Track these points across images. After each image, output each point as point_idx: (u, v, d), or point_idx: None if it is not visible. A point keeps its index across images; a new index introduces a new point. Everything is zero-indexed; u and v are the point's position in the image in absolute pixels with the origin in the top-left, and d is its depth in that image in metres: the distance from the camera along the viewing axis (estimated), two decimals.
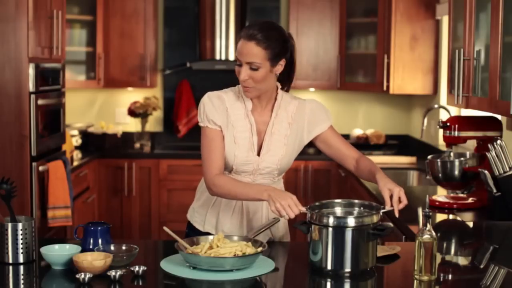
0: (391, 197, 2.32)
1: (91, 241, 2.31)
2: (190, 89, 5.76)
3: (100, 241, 2.31)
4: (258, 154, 2.52)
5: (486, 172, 3.04)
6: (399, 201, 2.32)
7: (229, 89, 2.58)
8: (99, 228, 2.33)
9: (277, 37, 2.43)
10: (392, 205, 2.31)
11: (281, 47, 2.44)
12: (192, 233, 2.62)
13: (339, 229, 2.14)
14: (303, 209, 2.26)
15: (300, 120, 2.57)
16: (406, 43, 5.09)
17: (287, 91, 2.64)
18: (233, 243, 2.26)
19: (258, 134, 2.53)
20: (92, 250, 2.28)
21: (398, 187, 2.34)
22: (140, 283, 2.09)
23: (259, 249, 2.21)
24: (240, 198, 2.44)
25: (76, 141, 5.46)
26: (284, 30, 2.51)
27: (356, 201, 2.32)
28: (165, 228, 2.27)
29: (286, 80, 2.60)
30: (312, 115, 2.59)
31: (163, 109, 5.95)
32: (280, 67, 2.46)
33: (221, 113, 2.50)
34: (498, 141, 3.03)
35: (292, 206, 2.25)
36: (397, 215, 2.30)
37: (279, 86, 2.58)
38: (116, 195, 5.45)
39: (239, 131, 2.50)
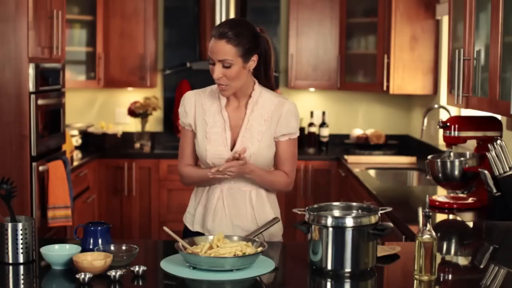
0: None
1: (91, 241, 2.31)
2: (190, 89, 5.75)
3: (100, 241, 2.31)
4: (233, 150, 2.55)
5: (486, 172, 3.04)
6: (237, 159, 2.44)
7: (209, 86, 2.64)
8: (99, 228, 2.33)
9: (247, 34, 2.47)
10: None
11: (251, 43, 2.48)
12: (186, 234, 2.64)
13: (339, 229, 2.14)
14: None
15: (276, 118, 2.57)
16: (406, 43, 5.09)
17: (271, 88, 2.63)
18: (233, 243, 2.26)
19: (233, 129, 2.57)
20: (92, 250, 2.28)
21: (247, 168, 2.47)
22: (140, 283, 2.09)
23: (259, 249, 2.21)
24: (201, 180, 2.60)
25: (76, 141, 5.46)
26: (254, 26, 2.54)
27: (354, 203, 2.32)
28: (165, 228, 2.27)
29: (263, 76, 2.61)
30: (285, 117, 2.57)
31: (163, 109, 5.95)
32: (252, 62, 2.50)
33: (193, 112, 2.59)
34: (498, 141, 3.03)
35: (228, 167, 2.42)
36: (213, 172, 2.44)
37: (256, 82, 2.59)
38: (116, 195, 5.45)
39: (211, 126, 2.56)
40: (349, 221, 2.14)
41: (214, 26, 2.48)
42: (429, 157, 3.40)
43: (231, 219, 2.58)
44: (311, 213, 2.20)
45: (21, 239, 2.24)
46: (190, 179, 2.64)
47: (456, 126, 3.25)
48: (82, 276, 2.03)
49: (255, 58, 2.50)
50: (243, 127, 2.55)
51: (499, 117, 3.31)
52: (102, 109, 6.01)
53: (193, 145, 2.62)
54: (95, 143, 5.59)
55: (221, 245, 2.23)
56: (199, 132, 2.58)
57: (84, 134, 5.61)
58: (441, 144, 4.91)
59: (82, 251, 2.27)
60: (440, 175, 3.30)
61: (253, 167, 2.50)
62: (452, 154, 3.31)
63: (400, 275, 2.26)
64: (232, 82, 2.47)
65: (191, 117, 2.59)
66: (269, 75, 2.61)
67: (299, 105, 5.95)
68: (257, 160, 2.55)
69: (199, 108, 2.58)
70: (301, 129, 5.88)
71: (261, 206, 2.60)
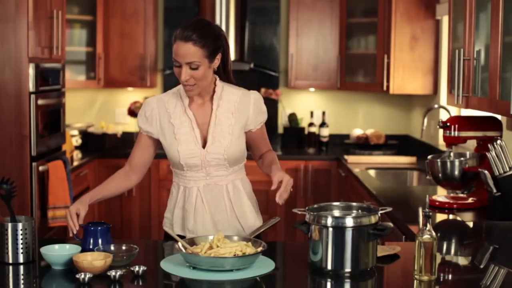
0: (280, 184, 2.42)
1: (91, 241, 2.32)
2: None
3: (100, 241, 2.31)
4: (205, 147, 2.56)
5: (486, 172, 3.04)
6: (286, 189, 2.39)
7: (171, 90, 2.68)
8: (99, 228, 2.33)
9: (211, 34, 2.49)
10: (279, 188, 2.39)
11: (216, 43, 2.50)
12: (168, 239, 2.62)
13: (339, 229, 2.14)
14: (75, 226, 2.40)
15: (244, 109, 2.60)
16: (406, 43, 5.09)
17: (230, 82, 2.66)
18: (233, 243, 2.26)
19: (201, 127, 2.59)
20: (92, 250, 2.28)
21: (288, 176, 2.43)
22: (140, 283, 2.09)
23: (259, 249, 2.22)
24: None
25: (76, 141, 5.46)
26: (215, 25, 2.58)
27: (354, 203, 2.32)
28: (164, 228, 2.27)
29: (222, 72, 2.65)
30: (257, 106, 2.63)
31: None
32: (217, 61, 2.54)
33: (155, 118, 2.61)
34: (498, 141, 3.03)
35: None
36: (279, 201, 2.36)
37: (217, 78, 2.62)
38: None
39: (178, 127, 2.58)
40: (349, 221, 2.14)
41: (176, 29, 2.48)
42: (429, 157, 3.40)
43: (212, 215, 2.59)
44: (311, 213, 2.20)
45: (21, 239, 2.24)
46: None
47: (456, 126, 3.25)
48: (82, 276, 2.03)
49: (219, 56, 2.53)
50: (212, 123, 2.57)
51: (499, 117, 3.31)
52: (102, 109, 6.01)
53: (142, 149, 2.68)
54: (95, 143, 5.59)
55: (221, 245, 2.23)
56: (167, 135, 2.59)
57: (84, 134, 5.61)
58: (441, 144, 4.91)
59: (82, 251, 2.27)
60: (440, 175, 3.30)
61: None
62: (452, 154, 3.31)
63: (400, 275, 2.26)
64: (199, 82, 2.50)
65: (154, 124, 2.61)
66: (228, 71, 2.65)
67: (299, 105, 6.01)
68: (231, 153, 2.56)
69: (162, 113, 2.61)
70: (301, 129, 5.89)
71: (238, 199, 2.62)
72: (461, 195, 3.38)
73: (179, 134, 2.57)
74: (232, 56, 5.57)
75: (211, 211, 2.59)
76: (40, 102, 4.07)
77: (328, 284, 2.14)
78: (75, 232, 2.40)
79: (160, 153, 2.62)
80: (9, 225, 2.24)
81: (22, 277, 2.18)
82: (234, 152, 2.58)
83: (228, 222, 2.60)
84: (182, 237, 2.53)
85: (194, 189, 2.60)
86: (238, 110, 2.59)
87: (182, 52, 2.44)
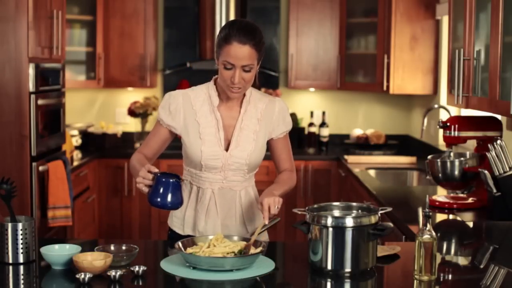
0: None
1: (161, 191, 2.27)
2: None
3: (169, 194, 2.27)
4: (227, 150, 2.55)
5: (486, 172, 3.04)
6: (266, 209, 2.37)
7: (197, 86, 2.62)
8: (171, 180, 2.27)
9: (261, 37, 2.48)
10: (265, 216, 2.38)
11: (264, 48, 2.50)
12: (174, 239, 2.61)
13: (339, 229, 2.14)
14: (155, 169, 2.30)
15: (269, 117, 2.61)
16: (406, 43, 5.09)
17: (255, 86, 2.66)
18: (232, 243, 2.26)
19: (226, 129, 2.57)
20: (158, 202, 2.26)
21: (269, 198, 2.39)
22: (140, 283, 2.09)
23: (259, 249, 2.22)
24: (133, 172, 2.53)
25: (76, 141, 5.46)
26: None
27: (354, 204, 2.32)
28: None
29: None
30: (281, 114, 2.64)
31: None
32: (259, 65, 2.53)
33: (180, 114, 2.55)
34: (498, 141, 3.03)
35: (141, 178, 2.32)
36: (266, 221, 2.36)
37: None
38: (116, 195, 5.45)
39: (204, 127, 2.54)
40: (349, 221, 2.14)
41: (228, 29, 2.41)
42: (429, 157, 3.40)
43: (222, 219, 2.58)
44: (311, 213, 2.20)
45: (21, 239, 2.24)
46: (131, 164, 2.57)
47: (456, 126, 3.26)
48: (82, 276, 2.03)
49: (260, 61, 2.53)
50: (237, 127, 2.56)
51: (499, 117, 3.31)
52: (102, 109, 6.01)
53: (160, 142, 2.60)
54: (95, 143, 5.59)
55: (217, 245, 2.23)
56: (191, 133, 2.54)
57: (84, 134, 5.61)
58: (441, 144, 4.91)
59: (150, 201, 2.26)
60: (440, 175, 3.30)
61: (277, 193, 2.49)
62: (452, 154, 3.31)
63: (400, 275, 2.26)
64: (247, 84, 2.48)
65: (178, 119, 2.55)
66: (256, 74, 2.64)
67: (299, 105, 6.01)
68: (253, 159, 2.56)
69: (188, 110, 2.56)
70: (301, 129, 5.89)
71: (249, 206, 2.62)
72: (461, 195, 3.38)
73: (204, 134, 2.53)
74: None
75: (222, 215, 2.58)
76: (40, 102, 4.07)
77: (328, 284, 2.14)
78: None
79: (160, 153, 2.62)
80: (9, 225, 2.24)
81: (22, 277, 2.18)
82: (255, 159, 2.57)
83: (235, 227, 2.59)
84: (192, 237, 2.53)
85: (208, 191, 2.57)
86: (263, 118, 2.59)
87: (241, 55, 2.40)
